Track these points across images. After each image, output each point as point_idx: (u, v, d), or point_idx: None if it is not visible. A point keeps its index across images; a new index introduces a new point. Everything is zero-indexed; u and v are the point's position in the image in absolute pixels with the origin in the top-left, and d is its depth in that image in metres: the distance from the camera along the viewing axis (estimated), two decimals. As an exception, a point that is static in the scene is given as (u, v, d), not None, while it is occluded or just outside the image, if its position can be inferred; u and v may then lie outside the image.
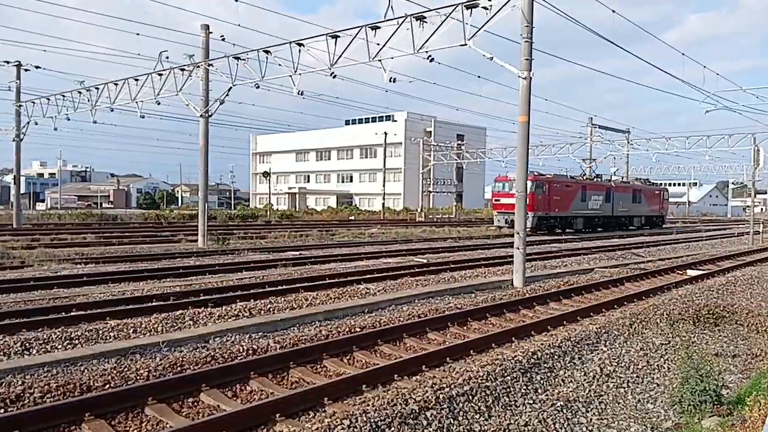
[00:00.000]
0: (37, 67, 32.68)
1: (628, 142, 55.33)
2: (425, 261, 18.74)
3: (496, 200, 37.19)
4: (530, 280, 14.81)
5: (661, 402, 6.86)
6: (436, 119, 77.79)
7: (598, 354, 8.28)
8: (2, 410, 5.59)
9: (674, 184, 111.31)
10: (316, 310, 10.42)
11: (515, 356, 7.48)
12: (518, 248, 14.37)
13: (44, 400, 5.84)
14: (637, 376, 7.62)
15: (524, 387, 6.74)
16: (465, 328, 9.75)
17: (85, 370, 6.82)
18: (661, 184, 58.13)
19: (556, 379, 7.17)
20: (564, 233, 37.61)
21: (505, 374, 6.85)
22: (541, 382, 7.00)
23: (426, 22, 16.67)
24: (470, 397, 6.16)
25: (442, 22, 16.12)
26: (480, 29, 15.26)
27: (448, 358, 7.62)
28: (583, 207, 39.31)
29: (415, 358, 7.47)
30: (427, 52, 16.68)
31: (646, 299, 12.75)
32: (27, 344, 7.80)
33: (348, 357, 7.78)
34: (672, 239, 34.00)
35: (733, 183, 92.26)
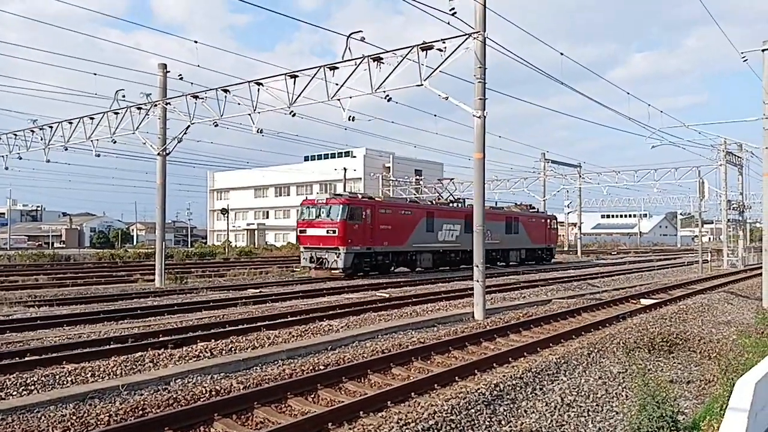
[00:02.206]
0: (-13, 106, 32.02)
1: (580, 176, 57.03)
2: (387, 295, 18.82)
3: (301, 231, 27.86)
4: (490, 313, 15.03)
5: (621, 430, 7.05)
6: (394, 155, 78.74)
7: (558, 384, 8.47)
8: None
9: (625, 216, 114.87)
10: (279, 348, 10.35)
11: (478, 389, 7.60)
12: (478, 281, 14.61)
13: (-1, 450, 5.67)
14: (597, 405, 7.82)
15: (488, 419, 6.85)
16: (429, 362, 9.83)
17: (43, 417, 6.65)
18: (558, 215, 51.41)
19: (519, 410, 7.31)
20: (407, 271, 30.28)
21: (470, 407, 6.96)
22: (505, 413, 7.13)
23: (383, 62, 17.13)
24: (436, 431, 6.24)
25: (399, 63, 16.59)
26: (435, 70, 15.75)
27: (413, 393, 7.68)
28: (431, 239, 31.12)
29: (381, 393, 7.51)
30: (384, 91, 17.08)
31: (603, 329, 13.10)
32: (-21, 392, 7.53)
33: (313, 395, 7.76)
34: (625, 269, 34.97)
35: (681, 214, 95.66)
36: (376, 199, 30.39)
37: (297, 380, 8.05)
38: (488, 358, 9.75)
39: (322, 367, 9.00)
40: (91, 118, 24.14)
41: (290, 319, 13.73)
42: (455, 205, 35.88)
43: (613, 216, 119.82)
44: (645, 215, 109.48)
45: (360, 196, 29.92)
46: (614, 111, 21.84)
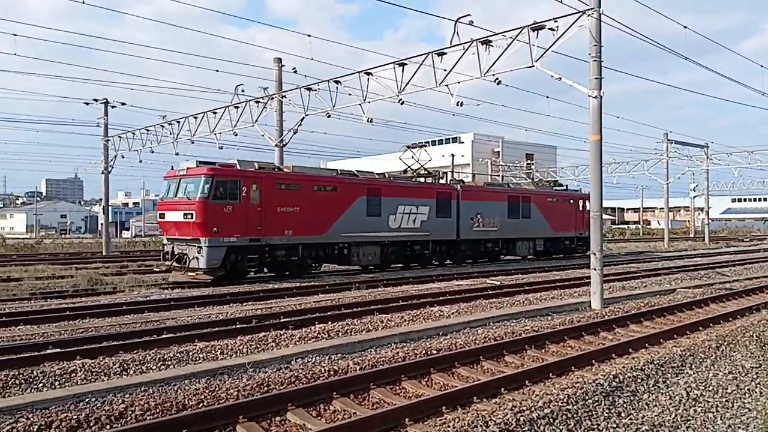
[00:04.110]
0: (122, 104, 34.93)
1: (707, 157, 53.06)
2: (498, 283, 18.62)
3: (160, 215, 20.21)
4: (609, 302, 14.47)
5: (754, 428, 6.59)
6: (503, 139, 77.26)
7: (683, 377, 8.04)
8: (108, 427, 6.03)
9: (760, 199, 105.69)
10: (392, 332, 10.59)
11: (596, 379, 7.38)
12: (595, 269, 14.10)
13: (145, 418, 6.26)
14: (726, 401, 7.34)
15: (607, 410, 6.64)
16: (543, 350, 9.67)
17: (179, 390, 7.25)
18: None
19: (640, 403, 7.02)
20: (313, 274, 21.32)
21: (587, 397, 6.78)
22: (625, 405, 6.88)
23: (492, 45, 16.81)
24: (551, 420, 6.14)
25: (508, 45, 16.23)
26: (547, 51, 15.25)
27: (526, 381, 7.60)
28: (375, 226, 22.55)
29: (494, 380, 7.49)
30: (494, 75, 16.79)
31: (734, 320, 12.23)
32: (124, 365, 8.32)
33: (426, 379, 7.89)
34: (760, 257, 32.20)
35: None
36: (274, 169, 20.96)
37: (410, 363, 8.20)
38: (606, 349, 9.42)
39: (434, 352, 9.12)
40: (214, 113, 25.66)
41: (401, 303, 13.96)
42: (423, 181, 26.78)
43: (745, 200, 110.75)
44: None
45: (258, 165, 19.99)
46: (746, 86, 20.12)
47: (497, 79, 16.82)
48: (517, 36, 15.95)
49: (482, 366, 8.64)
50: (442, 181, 27.34)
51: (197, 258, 18.02)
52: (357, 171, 23.61)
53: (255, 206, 18.97)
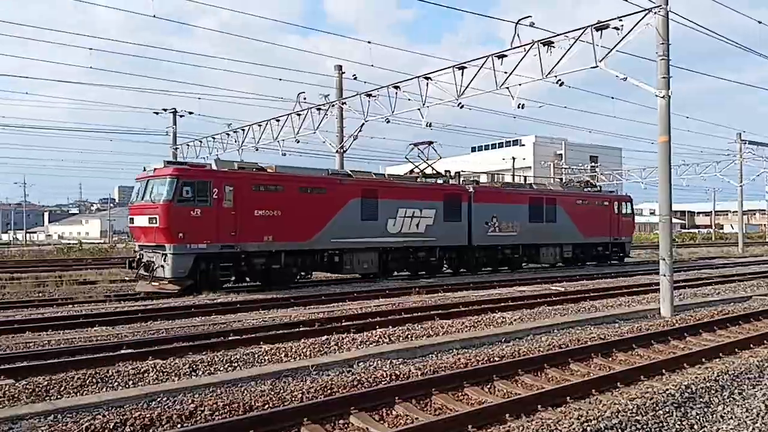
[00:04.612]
0: (190, 113, 36.30)
1: (787, 158, 50.25)
2: (562, 289, 18.24)
3: (130, 220, 18.58)
4: (679, 309, 13.94)
5: (842, 445, 6.20)
6: (566, 141, 75.66)
7: (761, 389, 7.64)
8: (179, 426, 6.25)
9: None
10: (453, 337, 10.54)
11: (666, 389, 7.12)
12: (664, 275, 13.60)
13: (213, 418, 6.45)
14: (810, 415, 6.93)
15: (678, 422, 6.39)
16: (610, 359, 9.40)
17: (245, 391, 7.43)
18: None
19: (714, 416, 6.73)
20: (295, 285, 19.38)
21: (657, 408, 6.55)
22: (698, 417, 6.60)
23: (554, 46, 16.56)
24: (620, 430, 5.97)
25: (571, 46, 15.94)
26: (611, 50, 14.88)
27: (593, 390, 7.41)
28: (372, 230, 20.78)
29: (559, 388, 7.34)
30: (556, 76, 16.52)
31: (818, 330, 11.53)
32: (194, 366, 8.60)
33: (489, 386, 7.80)
34: None
35: None
36: (254, 169, 18.88)
37: (473, 370, 8.14)
38: (677, 358, 9.07)
39: (497, 359, 9.01)
40: (277, 120, 26.28)
41: (462, 309, 13.88)
42: (431, 181, 24.51)
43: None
44: None
45: (237, 165, 18.59)
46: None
47: (559, 80, 16.54)
48: (579, 36, 15.65)
49: (547, 374, 8.48)
50: (453, 182, 25.26)
51: (162, 266, 16.69)
52: (352, 171, 22.06)
53: (228, 209, 17.39)
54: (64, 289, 19.18)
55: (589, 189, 33.01)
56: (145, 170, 18.13)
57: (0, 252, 45.32)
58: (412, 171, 25.07)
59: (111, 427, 6.03)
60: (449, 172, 25.73)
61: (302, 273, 19.86)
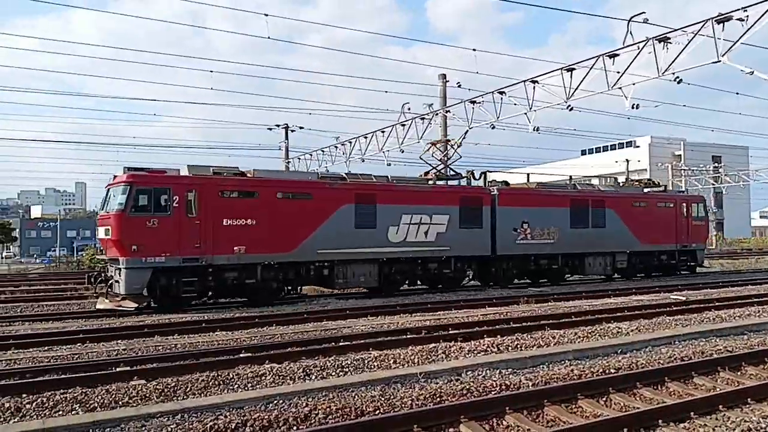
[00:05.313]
0: (300, 128, 37.82)
1: None
2: (684, 298, 17.15)
3: (98, 231, 17.73)
4: (820, 321, 12.68)
5: None
6: (685, 141, 71.11)
7: None
8: (296, 428, 6.51)
9: None
10: (565, 348, 10.22)
11: (807, 408, 6.52)
12: (801, 284, 12.42)
13: (327, 421, 6.66)
14: None
15: (822, 445, 5.84)
16: (738, 373, 8.73)
17: (356, 396, 7.61)
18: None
19: None
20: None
21: (796, 428, 6.02)
22: None
23: (670, 42, 15.72)
24: (752, 450, 5.55)
25: (690, 41, 15.06)
26: (735, 43, 13.92)
27: (720, 406, 6.91)
28: (368, 240, 18.49)
29: (682, 403, 6.92)
30: (673, 73, 15.70)
31: None
32: (307, 370, 8.92)
33: (604, 398, 7.49)
34: None
35: None
36: (224, 174, 16.91)
37: (586, 381, 7.86)
38: (819, 374, 8.27)
39: (612, 371, 8.65)
40: (382, 131, 26.78)
41: (574, 319, 13.42)
42: (443, 184, 21.88)
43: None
44: None
45: (214, 170, 16.80)
46: None
47: (677, 77, 15.70)
48: (699, 30, 14.75)
49: (668, 387, 8.01)
50: (477, 183, 22.39)
51: (118, 282, 15.44)
52: (347, 174, 19.87)
53: (191, 219, 15.78)
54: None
55: (653, 188, 29.02)
56: (114, 177, 16.60)
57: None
58: (427, 173, 22.82)
59: (233, 427, 6.37)
60: (472, 172, 22.92)
61: (287, 288, 17.98)
